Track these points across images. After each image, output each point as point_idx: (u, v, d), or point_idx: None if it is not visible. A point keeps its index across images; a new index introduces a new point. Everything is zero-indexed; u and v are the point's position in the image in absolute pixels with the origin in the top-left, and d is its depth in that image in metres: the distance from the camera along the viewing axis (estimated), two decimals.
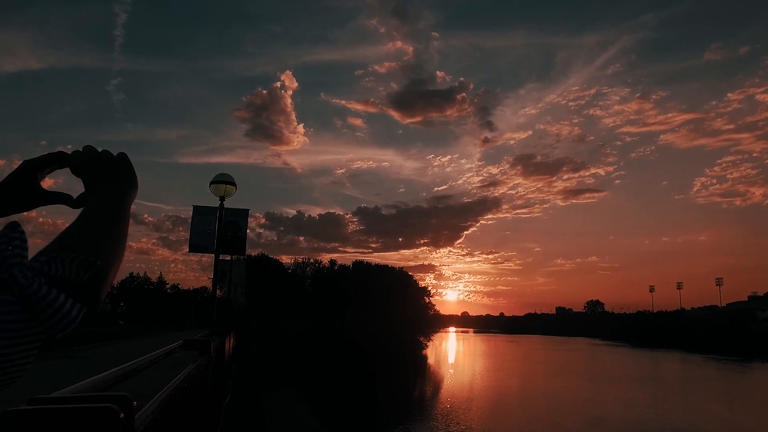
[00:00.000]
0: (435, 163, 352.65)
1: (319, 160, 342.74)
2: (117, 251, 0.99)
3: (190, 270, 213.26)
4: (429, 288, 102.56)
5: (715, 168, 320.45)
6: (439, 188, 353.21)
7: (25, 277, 0.71)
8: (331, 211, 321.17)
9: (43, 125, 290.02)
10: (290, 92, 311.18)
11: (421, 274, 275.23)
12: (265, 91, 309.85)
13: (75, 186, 1.18)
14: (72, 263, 0.78)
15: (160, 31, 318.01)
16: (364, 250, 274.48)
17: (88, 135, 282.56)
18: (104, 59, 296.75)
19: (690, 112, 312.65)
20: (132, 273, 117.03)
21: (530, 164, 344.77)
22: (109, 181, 1.11)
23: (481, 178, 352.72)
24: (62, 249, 0.84)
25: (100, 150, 1.17)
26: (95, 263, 0.82)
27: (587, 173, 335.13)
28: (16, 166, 1.12)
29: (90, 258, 0.82)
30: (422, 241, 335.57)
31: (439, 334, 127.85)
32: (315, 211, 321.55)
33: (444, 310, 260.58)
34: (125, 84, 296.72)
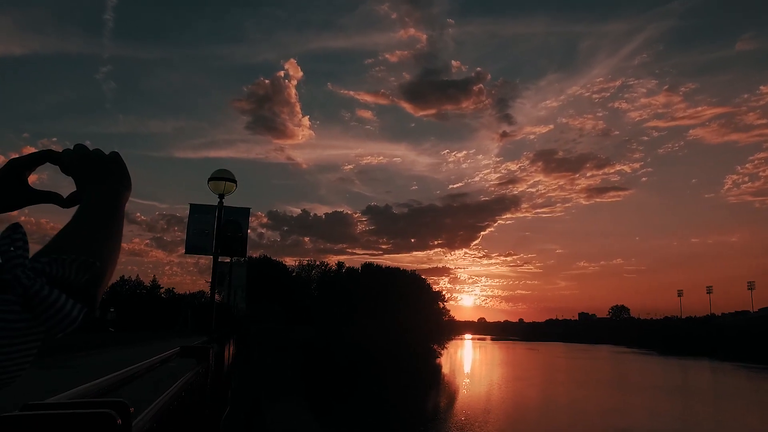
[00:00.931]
0: (450, 159, 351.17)
1: (326, 155, 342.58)
2: (113, 253, 1.04)
3: (186, 273, 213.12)
4: (443, 292, 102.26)
5: (747, 165, 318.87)
6: (454, 186, 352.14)
7: (27, 278, 0.76)
8: (339, 209, 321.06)
9: (26, 116, 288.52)
10: (295, 82, 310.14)
11: (435, 278, 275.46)
12: (267, 81, 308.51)
13: (61, 182, 1.22)
14: (72, 264, 0.83)
15: (153, 15, 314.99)
16: (374, 252, 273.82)
17: (76, 127, 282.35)
18: (93, 45, 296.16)
19: (721, 105, 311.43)
20: (123, 276, 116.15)
21: (551, 160, 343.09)
22: (101, 181, 1.15)
23: (498, 175, 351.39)
24: (59, 250, 0.89)
25: (91, 149, 1.20)
26: (95, 264, 0.89)
27: (612, 170, 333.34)
28: None
29: (89, 259, 0.87)
30: (436, 243, 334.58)
31: (454, 342, 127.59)
32: (321, 210, 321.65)
33: (459, 316, 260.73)
34: (116, 72, 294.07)
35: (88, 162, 1.17)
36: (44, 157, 1.18)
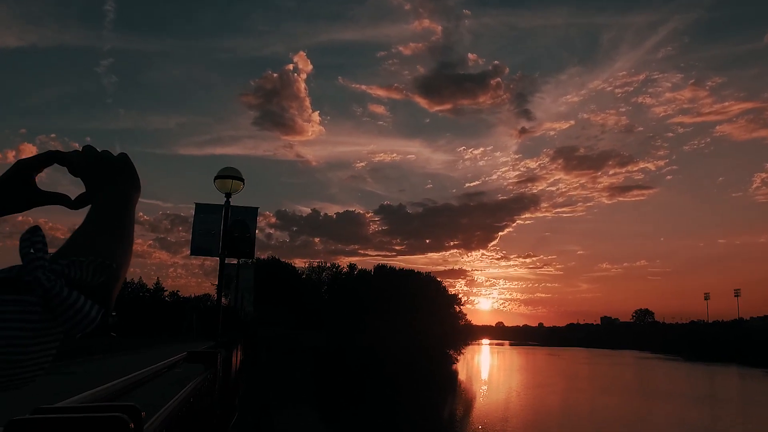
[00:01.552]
0: (466, 156, 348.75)
1: (337, 152, 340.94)
2: (126, 255, 1.08)
3: (191, 275, 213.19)
4: (459, 295, 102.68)
5: None
6: (471, 184, 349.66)
7: (48, 280, 0.79)
8: (350, 209, 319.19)
9: (23, 111, 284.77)
10: (304, 75, 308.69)
11: (451, 280, 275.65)
12: (275, 74, 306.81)
13: (61, 181, 1.25)
14: (89, 266, 0.88)
15: (156, 6, 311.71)
16: (387, 253, 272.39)
17: (75, 122, 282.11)
18: (93, 37, 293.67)
19: (749, 100, 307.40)
20: (125, 279, 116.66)
21: (572, 158, 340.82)
22: (111, 183, 1.18)
23: (517, 173, 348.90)
24: (75, 252, 0.93)
25: (95, 147, 1.23)
26: (111, 266, 0.93)
27: (636, 168, 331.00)
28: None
29: (106, 261, 0.92)
30: (452, 243, 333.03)
31: (470, 347, 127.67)
32: (332, 210, 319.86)
33: (476, 320, 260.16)
34: (117, 65, 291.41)
35: (97, 163, 1.19)
36: (52, 158, 1.20)
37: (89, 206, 1.14)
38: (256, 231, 18.86)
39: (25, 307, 0.77)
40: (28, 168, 1.18)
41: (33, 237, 0.82)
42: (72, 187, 1.27)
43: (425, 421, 39.64)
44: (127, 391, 2.76)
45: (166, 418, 2.90)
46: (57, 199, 1.24)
